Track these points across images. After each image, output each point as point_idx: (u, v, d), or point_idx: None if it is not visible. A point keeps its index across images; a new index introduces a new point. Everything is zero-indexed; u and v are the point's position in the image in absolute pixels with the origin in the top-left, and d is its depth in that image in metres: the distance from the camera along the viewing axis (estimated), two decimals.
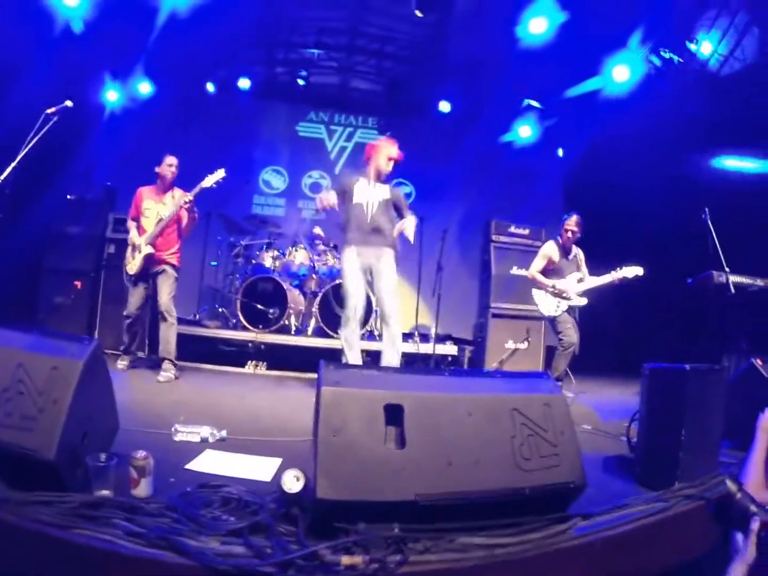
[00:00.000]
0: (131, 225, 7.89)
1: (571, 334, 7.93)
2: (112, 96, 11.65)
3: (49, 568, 2.74)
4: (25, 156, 5.86)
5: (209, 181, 7.65)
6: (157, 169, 7.84)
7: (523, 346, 10.12)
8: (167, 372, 7.51)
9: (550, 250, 8.29)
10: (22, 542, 2.77)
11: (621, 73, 10.28)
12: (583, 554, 3.26)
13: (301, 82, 12.76)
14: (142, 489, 3.33)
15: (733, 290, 6.65)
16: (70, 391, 3.21)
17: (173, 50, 10.44)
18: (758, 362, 5.32)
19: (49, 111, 5.99)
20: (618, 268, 7.77)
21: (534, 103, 10.68)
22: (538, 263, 8.32)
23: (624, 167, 10.96)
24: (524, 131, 13.09)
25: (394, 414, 3.13)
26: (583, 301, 8.05)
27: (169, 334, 7.68)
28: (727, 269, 6.63)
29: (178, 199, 7.66)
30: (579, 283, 8.06)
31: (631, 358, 4.81)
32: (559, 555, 3.17)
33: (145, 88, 11.91)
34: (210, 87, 12.69)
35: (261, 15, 10.01)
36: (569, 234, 8.07)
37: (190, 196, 7.53)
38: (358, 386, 3.22)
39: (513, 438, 3.30)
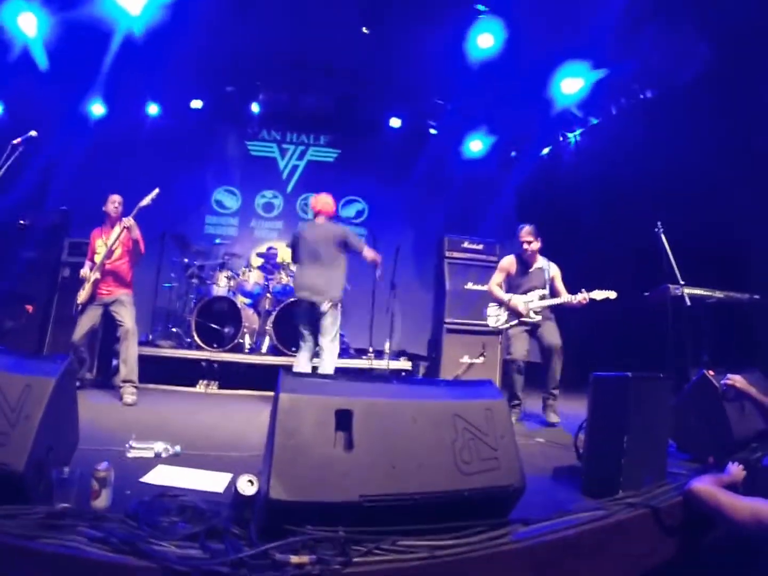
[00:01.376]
0: (87, 263, 8.04)
1: (516, 349, 7.71)
2: (65, 119, 11.52)
3: None
4: None
5: (146, 200, 7.75)
6: (103, 209, 7.98)
7: (479, 360, 10.14)
8: (131, 395, 7.55)
9: (507, 263, 8.20)
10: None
11: (570, 85, 10.32)
12: (523, 559, 3.31)
13: (255, 108, 12.80)
14: (102, 500, 3.39)
15: (689, 302, 6.74)
16: (41, 407, 3.30)
17: (125, 72, 10.40)
18: (710, 373, 5.36)
19: (14, 142, 5.95)
20: (582, 290, 7.53)
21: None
22: (496, 276, 8.23)
23: (575, 178, 11.09)
24: (475, 145, 13.22)
25: (344, 419, 3.24)
26: (536, 318, 7.70)
27: (131, 357, 7.72)
28: (682, 282, 6.72)
29: (121, 225, 7.76)
30: (539, 300, 7.79)
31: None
32: (499, 558, 3.23)
33: (97, 109, 11.83)
34: (159, 108, 12.70)
35: (210, 38, 9.97)
36: (524, 245, 7.87)
37: (130, 218, 7.67)
38: (312, 392, 3.34)
39: (454, 442, 3.41)
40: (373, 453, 3.24)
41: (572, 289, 7.69)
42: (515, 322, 7.85)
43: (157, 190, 7.83)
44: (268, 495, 2.98)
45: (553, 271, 8.01)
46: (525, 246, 7.88)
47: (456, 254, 10.80)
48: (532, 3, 8.65)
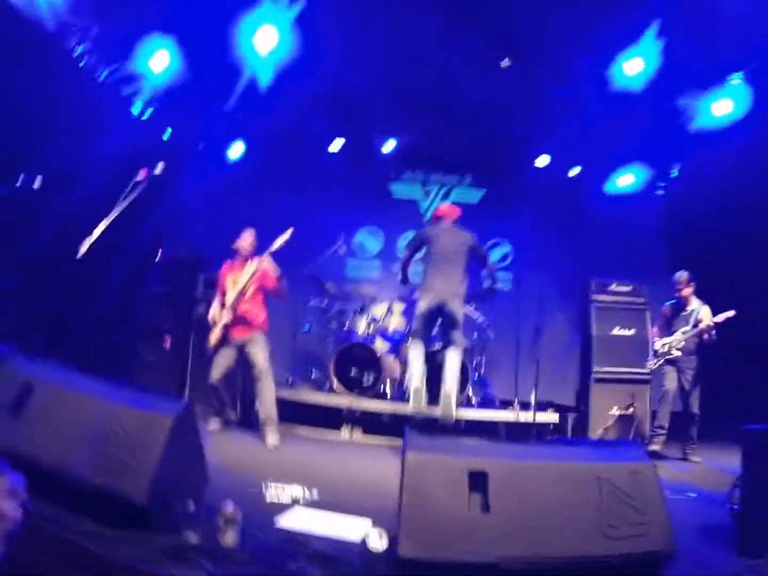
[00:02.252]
0: (217, 301, 8.13)
1: (666, 381, 8.61)
2: (201, 158, 11.73)
3: None
4: (116, 219, 5.89)
5: (277, 243, 7.80)
6: (234, 245, 8.05)
7: (628, 412, 9.62)
8: (273, 436, 7.56)
9: (664, 307, 9.12)
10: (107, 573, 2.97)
11: (722, 107, 9.48)
12: None
13: (396, 149, 12.74)
14: (229, 538, 3.47)
15: None
16: (161, 442, 3.52)
17: (258, 111, 10.49)
18: None
19: (139, 176, 6.01)
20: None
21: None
22: (656, 323, 9.29)
23: (730, 208, 10.44)
24: (623, 181, 12.60)
25: (479, 481, 3.21)
26: (677, 354, 8.55)
27: (268, 397, 7.76)
28: None
29: (254, 264, 7.79)
30: (681, 334, 8.53)
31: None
32: None
33: (236, 150, 11.99)
34: (298, 149, 12.71)
35: (348, 77, 10.01)
36: (676, 292, 8.79)
37: (270, 261, 7.73)
38: (442, 453, 3.42)
39: (599, 506, 3.27)
40: (511, 515, 3.17)
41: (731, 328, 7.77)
42: (662, 361, 8.64)
43: (289, 232, 7.85)
44: (396, 552, 3.04)
45: (704, 312, 8.52)
46: (675, 293, 8.73)
47: (602, 297, 10.44)
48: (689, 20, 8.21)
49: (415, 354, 8.10)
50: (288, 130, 12.09)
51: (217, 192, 11.67)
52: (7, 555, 1.79)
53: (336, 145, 12.66)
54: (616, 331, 10.09)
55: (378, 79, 10.47)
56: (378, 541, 3.31)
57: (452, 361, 7.96)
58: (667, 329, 8.83)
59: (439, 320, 8.28)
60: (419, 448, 3.40)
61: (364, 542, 3.35)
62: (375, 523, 3.67)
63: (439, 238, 8.22)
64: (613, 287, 10.48)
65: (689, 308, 8.66)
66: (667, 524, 3.31)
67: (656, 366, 8.73)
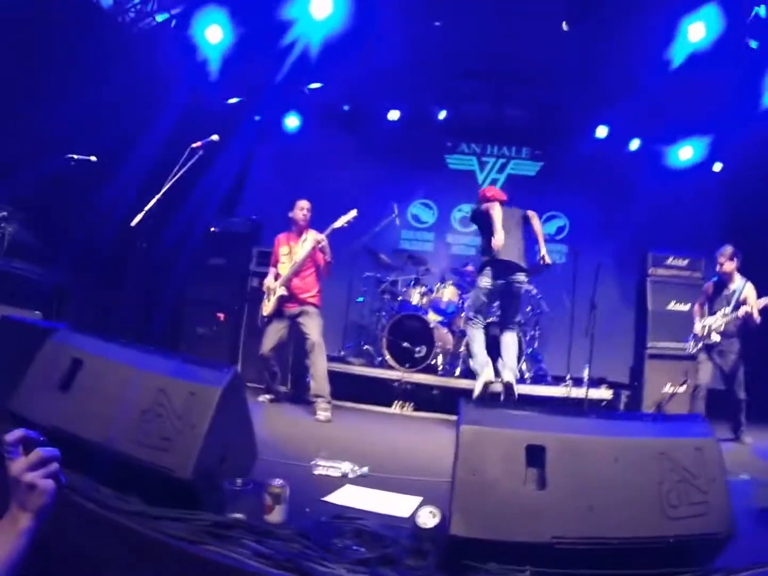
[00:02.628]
0: (271, 271, 8.12)
1: (699, 375, 8.02)
2: (258, 128, 11.78)
3: None
4: (170, 188, 5.93)
5: (341, 221, 7.75)
6: (290, 215, 8.03)
7: (682, 389, 9.46)
8: (325, 411, 7.50)
9: (706, 286, 8.52)
10: (153, 554, 2.91)
11: None
12: None
13: (454, 120, 12.64)
14: (276, 515, 3.40)
15: None
16: (207, 416, 3.39)
17: (318, 82, 10.46)
18: None
19: (194, 145, 6.06)
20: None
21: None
22: (699, 300, 8.57)
23: None
24: (684, 154, 12.33)
25: (535, 455, 3.08)
26: (716, 339, 7.90)
27: (320, 371, 7.70)
28: None
29: (311, 240, 7.76)
30: (722, 318, 7.91)
31: None
32: None
33: (292, 122, 12.00)
34: (355, 119, 12.68)
35: (409, 45, 9.86)
36: (718, 267, 8.10)
37: (322, 237, 7.66)
38: (498, 426, 3.25)
39: (660, 484, 3.10)
40: (568, 492, 3.03)
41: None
42: (700, 345, 8.09)
43: (354, 212, 7.80)
44: (449, 530, 2.88)
45: (747, 291, 7.87)
46: (718, 268, 8.06)
47: (660, 271, 10.24)
48: None
49: (478, 331, 8.10)
50: (344, 101, 12.09)
51: (274, 164, 11.68)
52: (41, 530, 1.78)
53: (393, 115, 12.58)
54: (672, 305, 9.90)
55: (435, 48, 10.36)
56: (429, 519, 3.16)
57: (513, 339, 8.05)
58: (709, 308, 8.30)
59: (501, 297, 8.24)
60: (475, 421, 3.23)
61: (414, 520, 3.21)
62: (425, 501, 3.60)
63: (499, 211, 8.09)
64: (670, 261, 10.26)
65: (732, 287, 8.03)
66: (728, 505, 3.15)
67: (694, 350, 8.23)
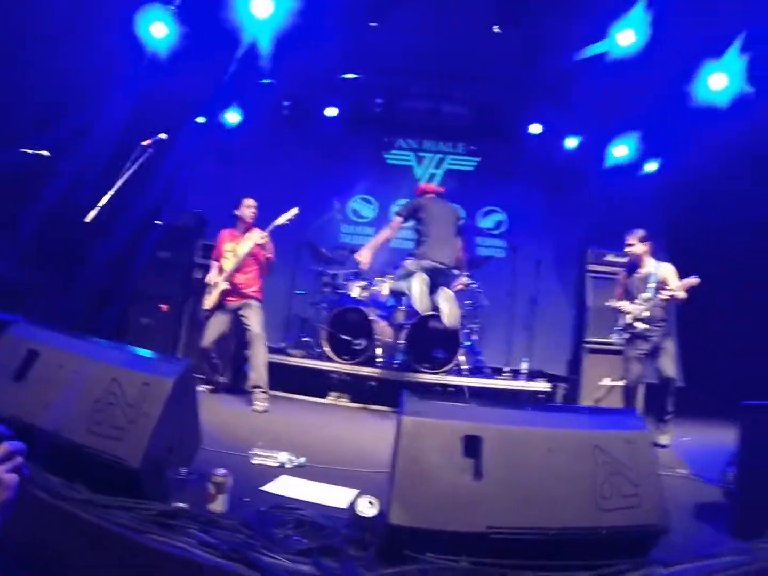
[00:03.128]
0: (214, 265, 8.23)
1: (628, 376, 7.81)
2: (201, 124, 11.69)
3: (123, 569, 2.97)
4: (122, 185, 5.90)
5: (283, 219, 7.93)
6: (236, 212, 8.16)
7: (621, 383, 9.59)
8: (262, 402, 7.62)
9: (620, 275, 8.28)
10: (100, 543, 2.99)
11: (718, 81, 9.36)
12: None
13: (392, 116, 12.75)
14: (218, 505, 3.54)
15: None
16: (159, 406, 3.53)
17: (258, 79, 10.52)
18: None
19: (144, 143, 6.03)
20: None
21: None
22: (616, 291, 8.22)
23: (733, 183, 10.39)
24: (619, 151, 12.38)
25: (472, 445, 3.20)
26: (641, 326, 7.51)
27: (260, 362, 7.82)
28: None
29: (254, 238, 7.91)
30: (644, 303, 7.55)
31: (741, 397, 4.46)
32: None
33: (232, 117, 11.98)
34: (295, 116, 12.66)
35: (347, 43, 9.97)
36: (627, 248, 7.87)
37: (265, 235, 7.85)
38: (438, 417, 3.37)
39: (594, 476, 3.24)
40: (503, 483, 3.14)
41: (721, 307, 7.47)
42: (627, 335, 7.71)
43: (295, 210, 7.93)
44: (388, 519, 2.98)
45: (664, 272, 7.59)
46: (625, 249, 7.83)
47: (599, 267, 10.36)
48: None
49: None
50: (284, 98, 12.18)
51: (216, 159, 11.68)
52: (3, 523, 1.74)
53: (331, 112, 12.59)
54: (611, 301, 10.06)
55: (373, 47, 10.46)
56: (368, 509, 3.28)
57: (446, 294, 8.15)
58: (628, 297, 7.95)
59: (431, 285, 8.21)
60: (416, 412, 3.33)
61: (353, 509, 3.33)
62: (362, 492, 3.64)
63: (434, 208, 8.18)
64: (610, 258, 10.39)
65: (644, 270, 7.78)
66: (660, 497, 3.30)
67: (621, 342, 7.92)
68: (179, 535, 2.99)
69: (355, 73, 11.49)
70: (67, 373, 3.74)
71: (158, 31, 8.92)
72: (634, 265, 7.93)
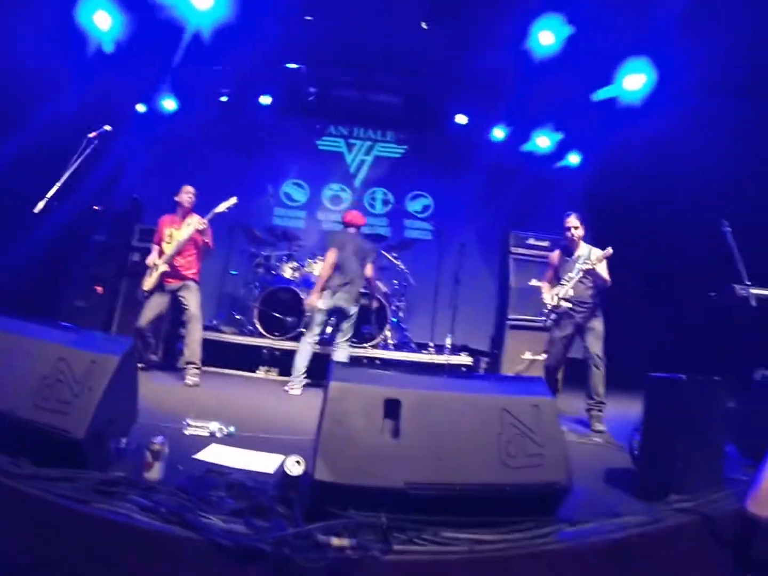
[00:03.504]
0: (154, 249, 8.32)
1: (549, 356, 8.03)
2: (139, 112, 11.81)
3: (69, 540, 3.03)
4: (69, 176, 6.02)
5: (222, 207, 8.10)
6: (176, 198, 8.25)
7: (541, 357, 10.00)
8: (194, 377, 7.86)
9: (552, 256, 8.24)
10: (47, 515, 3.08)
11: (634, 81, 9.95)
12: (566, 559, 3.33)
13: (323, 104, 12.96)
14: (155, 472, 3.63)
15: (754, 303, 6.58)
16: (105, 381, 3.64)
17: (196, 68, 10.61)
18: None
19: (90, 135, 6.16)
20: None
21: None
22: (546, 274, 8.26)
23: (642, 176, 10.90)
24: (542, 142, 12.88)
25: (393, 408, 3.40)
26: (567, 305, 7.61)
27: (195, 340, 8.06)
28: (748, 282, 6.55)
29: (194, 224, 8.03)
30: (569, 283, 7.63)
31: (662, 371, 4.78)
32: (542, 557, 3.26)
33: (169, 104, 12.04)
34: (231, 103, 12.75)
35: (280, 35, 10.11)
36: (568, 232, 7.79)
37: (205, 221, 8.00)
38: (362, 382, 3.54)
39: (500, 435, 3.49)
40: (419, 443, 3.38)
41: (634, 288, 7.73)
42: (553, 316, 7.80)
43: (234, 200, 8.12)
44: (313, 476, 3.16)
45: (594, 255, 7.54)
46: (569, 233, 7.77)
47: (521, 250, 10.76)
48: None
49: (307, 345, 8.54)
50: (220, 85, 12.27)
51: (153, 145, 11.74)
52: None
53: (265, 100, 12.76)
54: (533, 282, 10.43)
55: (307, 38, 10.70)
56: (295, 467, 3.48)
57: (342, 354, 8.55)
58: (558, 278, 7.96)
59: (334, 318, 8.76)
60: (342, 378, 3.56)
61: (281, 468, 3.53)
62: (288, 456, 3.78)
63: (346, 245, 8.55)
64: (531, 241, 10.83)
65: (577, 252, 7.77)
66: (564, 458, 3.57)
67: (549, 323, 7.91)
68: (121, 502, 3.14)
69: (289, 63, 11.70)
70: (16, 355, 3.80)
71: (101, 21, 9.01)
72: (568, 248, 7.93)
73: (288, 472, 3.46)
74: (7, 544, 3.07)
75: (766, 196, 8.35)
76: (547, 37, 9.38)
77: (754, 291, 6.55)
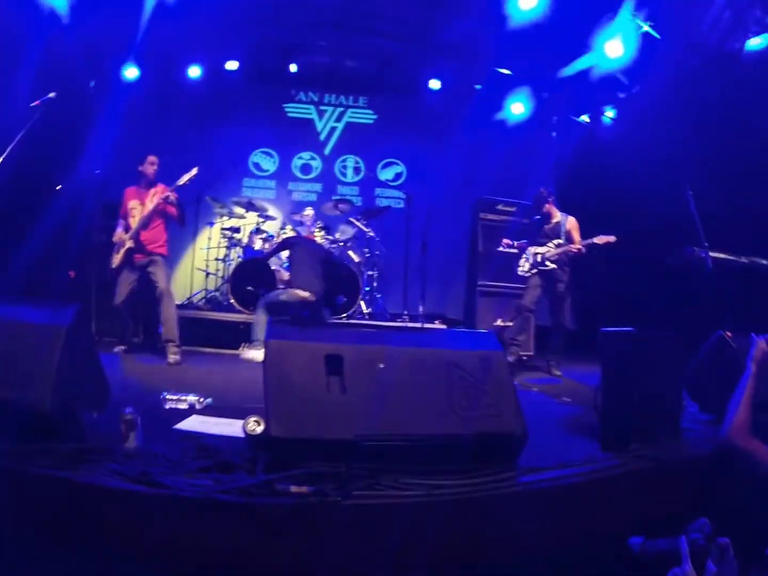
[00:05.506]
0: (120, 224, 8.21)
1: (526, 297, 8.69)
2: (98, 82, 11.51)
3: (50, 505, 3.17)
4: (15, 148, 5.90)
5: (184, 179, 7.99)
6: (140, 168, 8.11)
7: (511, 323, 10.12)
8: (175, 355, 7.79)
9: (531, 221, 9.37)
10: (26, 485, 3.20)
11: (614, 48, 9.72)
12: (525, 503, 3.49)
13: (292, 69, 12.86)
14: (131, 442, 3.71)
15: (710, 265, 6.73)
16: (56, 351, 3.66)
17: (159, 34, 10.45)
18: (727, 334, 5.39)
19: (33, 104, 6.06)
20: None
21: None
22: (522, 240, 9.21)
23: (613, 143, 10.98)
24: (516, 108, 12.88)
25: (335, 364, 3.55)
26: (551, 266, 8.52)
27: (170, 317, 7.96)
28: (705, 245, 6.69)
29: (159, 195, 7.95)
30: (555, 248, 8.56)
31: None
32: (500, 499, 3.43)
33: (131, 72, 11.81)
34: (196, 70, 12.56)
35: None
36: (545, 207, 8.84)
37: (171, 191, 7.89)
38: (300, 339, 3.72)
39: (450, 389, 3.65)
40: (366, 396, 3.51)
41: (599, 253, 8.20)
42: (535, 270, 8.68)
43: (195, 171, 8.02)
44: (269, 433, 3.35)
45: (570, 224, 8.68)
46: (547, 206, 8.87)
47: (490, 216, 10.85)
48: None
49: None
50: (185, 51, 12.08)
51: (115, 117, 11.58)
52: None
53: (231, 65, 12.64)
54: (502, 248, 10.55)
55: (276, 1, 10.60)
56: (256, 427, 3.61)
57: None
58: (536, 242, 8.89)
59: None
60: (279, 335, 3.71)
61: (244, 429, 3.66)
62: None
63: (301, 247, 8.81)
64: (500, 207, 10.91)
65: (554, 220, 8.79)
66: (516, 408, 3.73)
67: (528, 273, 8.77)
68: (94, 468, 3.27)
69: (257, 27, 11.60)
70: None
71: None
72: (544, 218, 8.89)
73: (249, 432, 3.62)
74: None
75: (727, 163, 8.46)
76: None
77: (711, 254, 6.74)
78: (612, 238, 8.09)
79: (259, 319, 8.29)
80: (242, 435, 4.04)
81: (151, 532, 3.06)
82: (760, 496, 2.93)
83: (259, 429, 3.59)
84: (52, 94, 6.15)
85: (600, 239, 8.13)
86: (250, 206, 11.04)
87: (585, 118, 12.19)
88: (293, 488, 3.10)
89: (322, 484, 3.16)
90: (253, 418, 3.63)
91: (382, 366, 3.59)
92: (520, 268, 8.90)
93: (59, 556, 3.03)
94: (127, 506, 3.10)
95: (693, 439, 4.58)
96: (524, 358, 9.16)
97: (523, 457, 3.78)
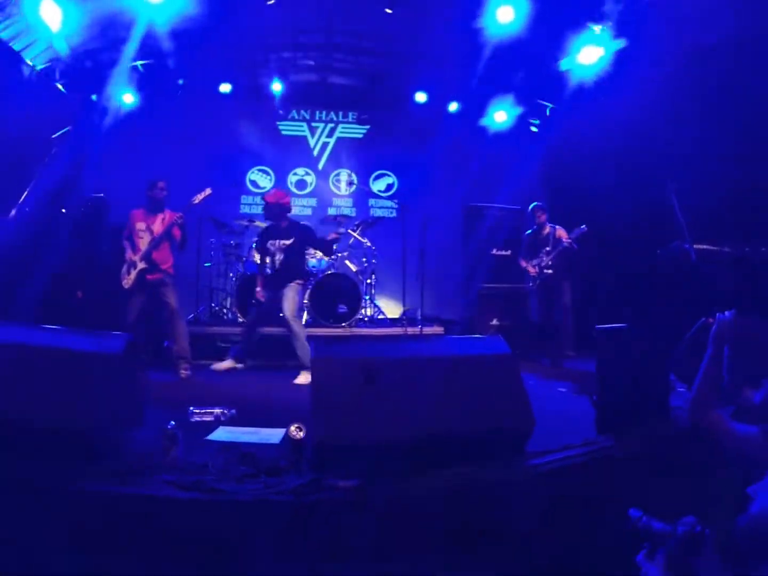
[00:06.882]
0: (126, 245, 8.36)
1: (539, 310, 9.88)
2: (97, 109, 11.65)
3: (114, 519, 3.36)
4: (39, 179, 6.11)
5: (197, 198, 8.36)
6: (148, 193, 8.33)
7: (506, 323, 10.55)
8: (186, 370, 8.18)
9: (524, 236, 10.37)
10: (90, 505, 3.39)
11: (589, 54, 9.99)
12: (531, 485, 3.92)
13: (284, 89, 13.06)
14: (173, 454, 3.96)
15: (694, 257, 7.09)
16: (109, 378, 3.98)
17: (153, 59, 10.72)
18: (710, 320, 5.73)
19: (54, 135, 6.31)
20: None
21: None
22: (522, 251, 10.33)
23: (594, 145, 11.26)
24: (499, 117, 13.18)
25: (370, 374, 3.98)
26: (549, 272, 9.55)
27: (181, 334, 8.31)
28: (689, 238, 7.05)
29: (168, 218, 8.22)
30: (546, 256, 9.62)
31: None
32: (513, 480, 3.89)
33: (128, 98, 11.96)
34: (188, 95, 12.84)
35: (238, 21, 10.19)
36: (537, 219, 10.03)
37: (180, 214, 8.19)
38: (341, 355, 4.20)
39: (469, 390, 4.11)
40: (398, 400, 3.96)
41: (587, 252, 9.37)
42: (538, 282, 9.77)
43: (209, 191, 8.37)
44: (313, 438, 3.78)
45: (559, 232, 9.82)
46: (536, 220, 10.06)
47: (480, 221, 11.36)
48: None
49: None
50: (178, 76, 12.36)
51: (115, 141, 11.70)
52: None
53: (224, 88, 12.90)
54: (495, 252, 11.02)
55: (267, 22, 10.86)
56: (298, 432, 4.01)
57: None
58: (532, 254, 9.96)
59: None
60: (323, 353, 4.16)
61: (287, 435, 4.06)
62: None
63: (273, 234, 8.81)
64: (490, 212, 11.45)
65: (545, 232, 9.91)
66: (526, 404, 4.21)
67: (536, 286, 9.79)
68: (148, 480, 3.54)
69: (249, 48, 11.87)
70: (24, 364, 3.92)
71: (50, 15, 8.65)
72: (537, 230, 10.07)
73: (293, 437, 4.02)
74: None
75: (708, 160, 8.73)
76: (506, 13, 9.44)
77: (697, 246, 7.12)
78: (582, 228, 9.31)
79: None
80: (274, 442, 4.48)
81: (207, 538, 3.31)
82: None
83: (301, 434, 4.00)
84: (67, 129, 6.42)
85: (574, 233, 9.34)
86: (251, 222, 11.36)
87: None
88: (340, 483, 3.47)
89: (364, 478, 3.51)
90: (295, 425, 4.03)
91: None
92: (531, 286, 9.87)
93: (120, 567, 3.28)
94: (183, 514, 3.34)
95: (682, 417, 4.97)
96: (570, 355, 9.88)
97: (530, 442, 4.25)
